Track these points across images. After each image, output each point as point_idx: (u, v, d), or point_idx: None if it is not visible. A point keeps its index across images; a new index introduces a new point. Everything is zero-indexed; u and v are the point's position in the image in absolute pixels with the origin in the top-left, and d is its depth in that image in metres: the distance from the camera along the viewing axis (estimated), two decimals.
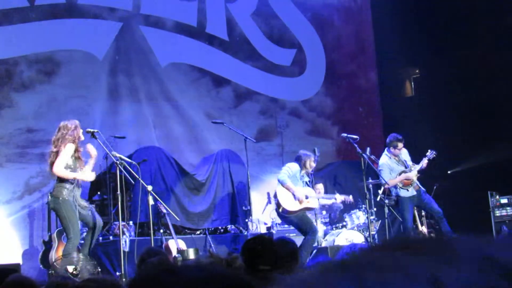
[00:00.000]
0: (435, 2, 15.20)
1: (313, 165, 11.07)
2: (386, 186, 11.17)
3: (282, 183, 10.80)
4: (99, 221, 9.15)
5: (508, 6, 14.23)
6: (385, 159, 11.30)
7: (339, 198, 11.73)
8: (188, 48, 14.12)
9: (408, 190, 11.14)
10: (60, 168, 8.71)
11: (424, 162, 11.24)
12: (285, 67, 15.46)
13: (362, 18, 16.87)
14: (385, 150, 11.42)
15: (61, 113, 12.11)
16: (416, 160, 11.28)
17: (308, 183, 11.07)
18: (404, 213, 11.11)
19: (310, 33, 15.91)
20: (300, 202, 10.76)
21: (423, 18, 15.26)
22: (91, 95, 12.81)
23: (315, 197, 11.08)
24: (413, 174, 11.14)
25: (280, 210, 10.89)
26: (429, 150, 11.33)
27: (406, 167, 11.23)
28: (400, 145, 11.25)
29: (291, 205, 10.73)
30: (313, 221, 11.12)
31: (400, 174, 11.13)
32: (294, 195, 10.73)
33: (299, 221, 10.83)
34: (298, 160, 11.01)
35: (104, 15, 13.12)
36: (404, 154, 11.42)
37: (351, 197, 11.91)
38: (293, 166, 10.95)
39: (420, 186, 11.22)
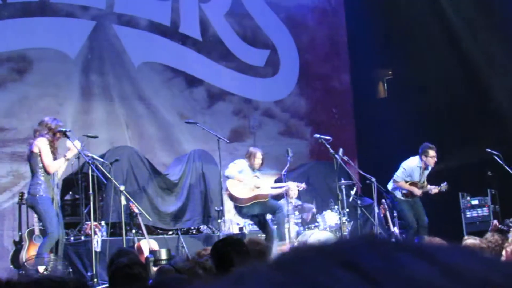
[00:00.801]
0: (408, 4, 15.29)
1: (259, 161, 11.39)
2: (394, 183, 11.72)
3: (229, 177, 11.19)
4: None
5: (485, 10, 14.34)
6: (414, 163, 11.70)
7: (292, 185, 11.71)
8: (162, 47, 14.08)
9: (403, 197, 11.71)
10: (51, 164, 8.82)
11: (435, 190, 11.74)
12: (259, 67, 15.45)
13: (336, 19, 16.90)
14: (418, 155, 11.73)
15: (32, 112, 12.04)
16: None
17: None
18: (405, 212, 11.70)
19: (283, 34, 15.92)
20: (252, 189, 11.11)
21: (396, 19, 15.32)
22: (63, 94, 12.72)
23: (266, 185, 11.49)
24: (419, 193, 11.68)
25: (237, 202, 11.21)
26: (445, 183, 11.84)
27: (419, 182, 11.71)
28: (432, 152, 11.57)
29: (243, 193, 11.10)
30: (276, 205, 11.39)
31: (411, 184, 11.51)
32: (244, 184, 11.16)
33: (260, 208, 11.26)
34: (246, 155, 11.51)
35: (77, 13, 13.04)
36: (426, 172, 11.83)
37: (303, 184, 11.98)
38: (239, 162, 11.40)
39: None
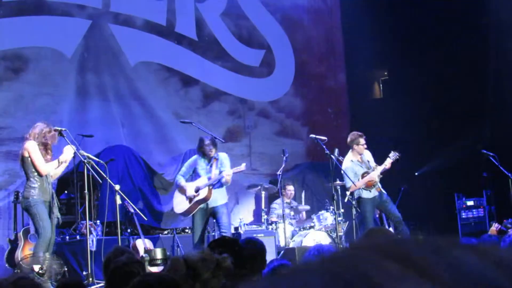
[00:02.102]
0: (404, 5, 15.31)
1: (210, 147, 10.20)
2: (352, 189, 11.01)
3: (176, 185, 10.56)
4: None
5: (477, 9, 14.38)
6: (348, 164, 11.11)
7: (227, 172, 10.15)
8: (157, 47, 14.07)
9: (370, 191, 11.01)
10: (43, 167, 8.81)
11: (388, 162, 11.07)
12: (254, 67, 15.46)
13: (332, 19, 16.91)
14: (349, 152, 11.26)
15: (28, 111, 12.04)
16: (380, 162, 11.21)
17: (212, 167, 10.27)
18: (366, 214, 10.97)
19: (279, 34, 15.93)
20: (190, 199, 10.21)
21: (392, 20, 15.35)
22: (59, 93, 12.71)
23: (204, 185, 10.13)
24: (375, 175, 11.01)
25: (184, 216, 10.73)
26: (392, 152, 11.23)
27: (369, 168, 11.20)
28: (362, 141, 11.12)
29: (181, 205, 10.32)
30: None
31: (363, 176, 11.06)
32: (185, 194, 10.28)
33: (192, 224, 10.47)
34: (198, 148, 10.47)
35: (73, 12, 13.02)
36: (367, 155, 11.33)
37: (243, 165, 10.45)
38: (187, 162, 10.59)
39: (382, 188, 11.18)
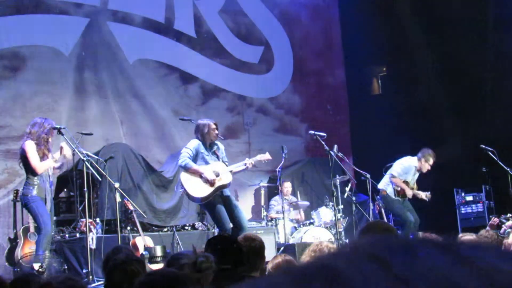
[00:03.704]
0: (401, 1, 15.30)
1: (216, 131, 9.74)
2: (392, 178, 11.62)
3: (185, 168, 9.58)
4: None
5: (475, 4, 14.37)
6: (412, 162, 11.69)
7: (248, 161, 9.97)
8: (156, 44, 14.06)
9: (395, 196, 11.66)
10: (38, 166, 8.85)
11: (421, 195, 11.66)
12: (253, 64, 15.45)
13: (330, 15, 16.91)
14: (416, 158, 11.71)
15: (27, 109, 12.04)
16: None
17: (218, 152, 9.84)
18: (396, 210, 11.66)
19: (277, 31, 15.92)
20: (212, 183, 9.51)
21: (391, 16, 15.34)
22: (58, 92, 12.69)
23: (226, 171, 9.69)
24: (410, 193, 11.58)
25: (195, 201, 10.01)
26: (429, 192, 11.72)
27: (412, 183, 11.74)
28: (431, 160, 11.60)
29: (201, 190, 9.54)
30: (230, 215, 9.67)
31: (405, 182, 11.48)
32: (202, 178, 9.50)
33: (211, 213, 9.76)
34: (196, 132, 9.90)
35: (71, 10, 13.00)
36: (417, 175, 11.85)
37: (267, 154, 10.31)
38: (191, 144, 9.76)
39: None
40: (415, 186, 11.72)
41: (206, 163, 9.64)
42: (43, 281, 3.78)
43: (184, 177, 9.65)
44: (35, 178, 8.90)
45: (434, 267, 0.57)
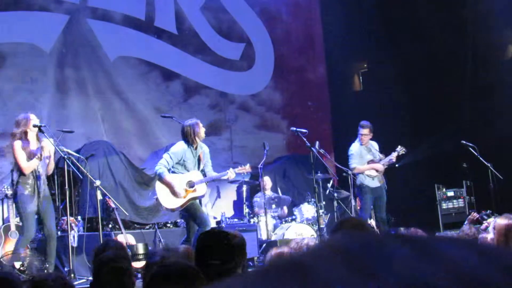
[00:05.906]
0: None
1: (203, 133, 9.50)
2: (355, 171, 11.31)
3: (159, 176, 9.41)
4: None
5: (456, 2, 14.44)
6: (356, 146, 11.42)
7: (231, 173, 9.68)
8: (137, 41, 14.02)
9: (373, 179, 11.31)
10: (25, 166, 8.81)
11: (393, 156, 11.40)
12: (234, 61, 15.46)
13: (311, 12, 16.94)
14: (356, 139, 11.52)
15: (7, 107, 11.97)
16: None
17: (202, 157, 9.61)
18: (366, 201, 11.28)
19: (258, 28, 15.93)
20: (184, 196, 9.37)
21: (371, 12, 15.37)
22: (38, 89, 12.63)
23: (202, 181, 9.49)
24: (381, 166, 11.32)
25: (163, 208, 9.90)
26: (399, 146, 11.47)
27: (375, 157, 11.42)
28: (363, 130, 11.36)
29: (172, 202, 9.41)
30: (203, 211, 9.70)
31: (368, 162, 11.31)
32: (174, 190, 9.34)
33: (187, 214, 9.57)
34: (184, 135, 9.51)
35: (51, 7, 12.94)
36: (374, 145, 11.60)
37: (248, 166, 10.17)
38: (175, 150, 9.46)
39: (384, 181, 11.39)
40: (382, 156, 11.50)
41: (187, 171, 9.50)
42: (37, 279, 3.77)
43: (158, 186, 9.50)
44: (27, 177, 8.86)
45: (402, 261, 0.58)
